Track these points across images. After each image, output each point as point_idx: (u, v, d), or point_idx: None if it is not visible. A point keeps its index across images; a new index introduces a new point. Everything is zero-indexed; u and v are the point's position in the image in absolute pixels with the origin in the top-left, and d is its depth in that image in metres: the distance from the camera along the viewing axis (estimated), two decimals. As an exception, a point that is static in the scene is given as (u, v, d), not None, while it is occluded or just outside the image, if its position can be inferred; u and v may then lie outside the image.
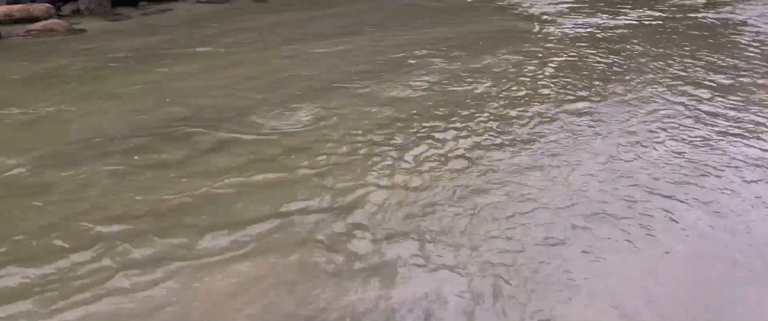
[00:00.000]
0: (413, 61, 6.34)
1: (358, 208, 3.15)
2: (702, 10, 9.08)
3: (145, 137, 4.21)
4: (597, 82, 5.48)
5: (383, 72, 5.92)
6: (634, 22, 8.27)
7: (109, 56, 6.92)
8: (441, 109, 4.75)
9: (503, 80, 5.55)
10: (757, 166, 3.64)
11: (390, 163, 3.73)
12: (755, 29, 7.75)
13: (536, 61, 6.22)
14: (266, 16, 9.55)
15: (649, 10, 9.21)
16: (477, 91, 5.28)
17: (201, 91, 5.43)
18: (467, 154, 3.85)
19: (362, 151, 3.92)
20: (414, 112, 4.70)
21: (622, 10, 9.22)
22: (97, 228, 2.95)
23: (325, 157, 3.84)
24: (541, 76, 5.67)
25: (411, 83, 5.50)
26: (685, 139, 4.06)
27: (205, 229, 2.93)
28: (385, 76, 5.78)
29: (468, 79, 5.59)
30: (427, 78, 5.68)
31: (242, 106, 4.93)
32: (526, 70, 5.93)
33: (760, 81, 5.48)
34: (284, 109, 4.87)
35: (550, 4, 9.89)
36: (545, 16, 8.88)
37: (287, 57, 6.79)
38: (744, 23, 8.04)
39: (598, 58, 6.37)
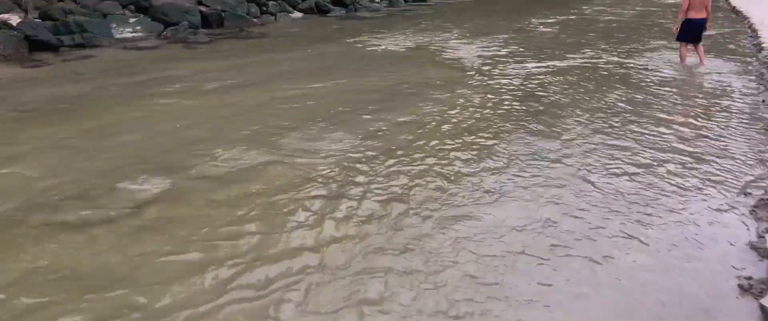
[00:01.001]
0: (347, 109, 6.27)
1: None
2: (619, 59, 9.53)
3: (52, 204, 3.87)
4: (524, 128, 5.56)
5: (313, 122, 5.81)
6: (558, 70, 8.57)
7: (21, 107, 6.47)
8: (376, 157, 4.66)
9: (434, 126, 5.54)
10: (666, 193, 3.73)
11: (323, 213, 3.58)
12: (662, 74, 8.18)
13: (469, 107, 6.27)
14: (195, 63, 9.28)
15: (571, 58, 9.58)
16: (409, 138, 5.24)
17: (121, 144, 5.13)
18: (403, 198, 3.76)
19: (299, 202, 3.76)
20: (349, 160, 4.59)
21: (548, 59, 9.56)
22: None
23: (255, 209, 3.65)
24: (474, 122, 5.71)
25: (344, 133, 5.40)
26: (602, 177, 4.12)
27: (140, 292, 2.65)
28: (312, 127, 5.67)
29: (401, 128, 5.55)
30: (360, 128, 5.60)
31: (164, 160, 4.66)
32: (458, 116, 5.96)
33: (665, 116, 5.73)
34: (213, 159, 4.65)
35: (481, 54, 10.14)
36: (478, 65, 9.07)
37: (217, 106, 6.57)
38: (655, 69, 8.48)
39: (526, 105, 6.49)
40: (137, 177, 4.36)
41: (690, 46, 8.87)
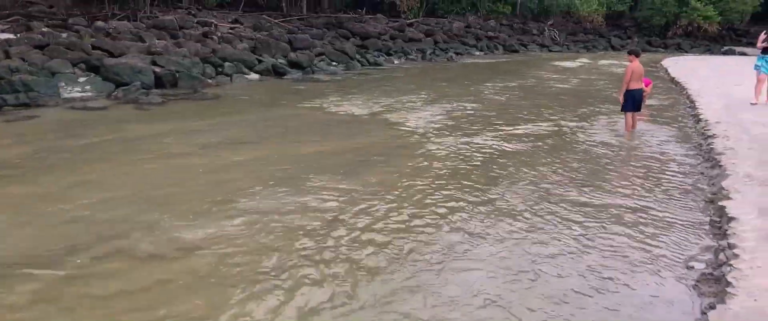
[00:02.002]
0: (298, 175, 6.19)
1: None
2: (566, 127, 9.84)
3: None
4: (471, 200, 5.58)
5: (265, 188, 5.70)
6: (508, 137, 8.76)
7: (-48, 172, 6.13)
8: (322, 228, 4.57)
9: (383, 195, 5.51)
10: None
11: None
12: (608, 142, 8.46)
13: (419, 175, 6.29)
14: (146, 125, 9.09)
15: (521, 125, 9.84)
16: (358, 208, 5.17)
17: (59, 213, 4.88)
18: (345, 271, 3.65)
19: (245, 274, 3.60)
20: (297, 231, 4.48)
21: (498, 125, 9.78)
22: None
23: (204, 278, 3.47)
24: (424, 190, 5.71)
25: (294, 200, 5.31)
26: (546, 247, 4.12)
27: None
28: (265, 192, 5.56)
29: (351, 195, 5.49)
30: (308, 196, 5.52)
31: (105, 231, 4.44)
32: (407, 184, 5.95)
33: (609, 187, 5.87)
34: (159, 231, 4.46)
35: (434, 119, 10.30)
36: (430, 131, 9.19)
37: (165, 171, 6.39)
38: (601, 138, 8.78)
39: (474, 175, 6.55)
40: (77, 249, 4.12)
41: (632, 115, 9.32)
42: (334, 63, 19.16)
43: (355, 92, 13.69)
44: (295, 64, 17.12)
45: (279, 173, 6.43)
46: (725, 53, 33.94)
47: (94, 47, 13.80)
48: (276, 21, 22.55)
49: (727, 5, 38.78)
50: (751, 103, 10.93)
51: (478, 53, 29.77)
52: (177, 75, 13.27)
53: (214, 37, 17.40)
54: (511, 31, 37.21)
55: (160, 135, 8.39)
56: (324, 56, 19.22)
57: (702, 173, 7.02)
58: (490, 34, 34.43)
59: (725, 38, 40.73)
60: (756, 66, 11.10)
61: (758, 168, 6.55)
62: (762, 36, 10.90)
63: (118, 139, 8.07)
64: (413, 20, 31.20)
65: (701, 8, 38.08)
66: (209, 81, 13.97)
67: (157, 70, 13.05)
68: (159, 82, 12.78)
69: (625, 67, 9.34)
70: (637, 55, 9.15)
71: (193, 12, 20.52)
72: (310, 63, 17.49)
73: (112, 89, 11.93)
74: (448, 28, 32.27)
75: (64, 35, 14.41)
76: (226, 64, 15.25)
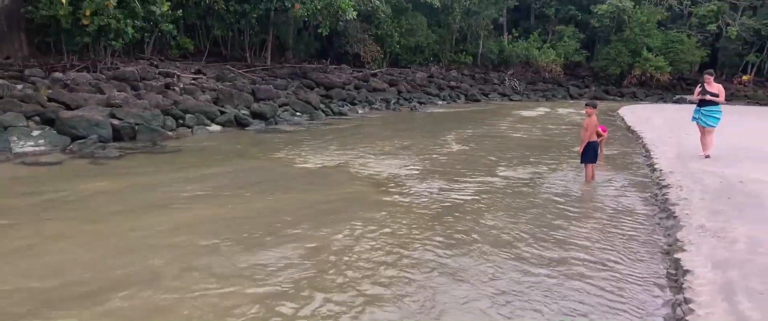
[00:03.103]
0: (260, 233, 6.05)
1: None
2: (527, 177, 9.98)
3: None
4: (431, 259, 5.52)
5: (225, 247, 5.53)
6: (469, 188, 8.81)
7: None
8: (288, 291, 4.43)
9: (344, 252, 5.41)
10: None
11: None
12: (567, 194, 8.58)
13: (381, 230, 6.22)
14: (100, 181, 8.81)
15: (483, 176, 9.93)
16: (319, 267, 5.05)
17: (3, 276, 4.61)
18: None
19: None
20: (260, 293, 4.33)
21: (461, 176, 9.85)
22: None
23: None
24: (386, 247, 5.63)
25: (255, 258, 5.16)
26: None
27: None
28: (223, 253, 5.40)
29: (312, 252, 5.38)
30: (273, 252, 5.38)
31: (49, 298, 4.20)
32: (369, 240, 5.87)
33: (568, 240, 5.90)
34: (112, 296, 4.24)
35: (397, 171, 10.31)
36: (393, 183, 9.18)
37: (119, 231, 6.15)
38: (560, 189, 8.90)
39: (435, 230, 6.53)
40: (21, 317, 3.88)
41: (592, 166, 9.58)
42: (298, 113, 19.18)
43: (318, 143, 13.67)
44: (258, 115, 17.06)
45: (237, 232, 6.27)
46: (677, 102, 35.33)
47: (50, 99, 13.49)
48: (240, 71, 22.58)
49: (676, 56, 40.69)
50: (705, 156, 10.94)
51: (440, 103, 30.29)
52: (136, 128, 13.04)
53: (176, 89, 17.26)
54: (473, 80, 38.10)
55: (113, 191, 8.14)
56: (288, 106, 19.24)
57: (658, 224, 7.15)
58: (453, 83, 35.15)
59: (676, 87, 42.54)
60: (693, 118, 11.20)
61: (710, 219, 6.71)
62: (697, 89, 11.09)
63: (69, 196, 7.79)
64: (377, 70, 31.69)
65: (653, 59, 39.84)
66: (169, 133, 13.76)
67: (116, 122, 12.80)
68: (117, 135, 12.52)
69: (584, 118, 9.58)
70: (595, 108, 9.42)
71: (155, 63, 20.37)
72: (273, 113, 17.46)
73: (68, 143, 11.61)
74: (412, 78, 32.85)
75: (20, 87, 14.06)
76: (188, 115, 15.09)
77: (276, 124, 17.14)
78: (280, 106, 19.01)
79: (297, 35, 29.41)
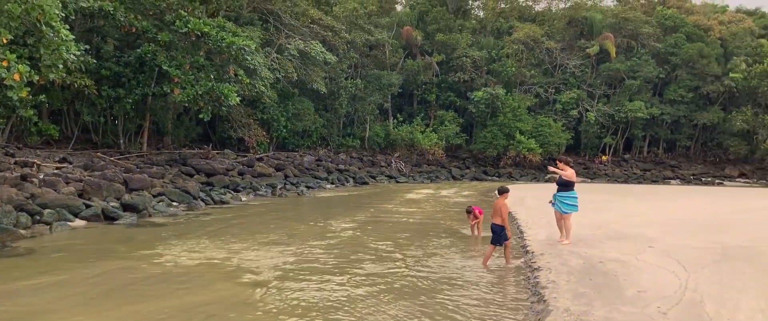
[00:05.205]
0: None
1: None
2: (414, 263, 9.98)
3: None
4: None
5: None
6: (356, 280, 8.60)
7: None
8: None
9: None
10: None
11: None
12: (453, 282, 8.66)
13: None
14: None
15: (370, 266, 9.78)
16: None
17: None
18: None
19: None
20: None
21: (347, 267, 9.63)
22: None
23: None
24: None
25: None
26: None
27: None
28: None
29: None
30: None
31: None
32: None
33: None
34: None
35: (277, 264, 9.91)
36: (272, 280, 8.76)
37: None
38: (445, 279, 8.97)
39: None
40: None
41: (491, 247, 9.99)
42: (174, 203, 18.19)
43: (195, 235, 12.91)
44: (129, 207, 15.92)
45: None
46: (548, 181, 38.10)
47: None
48: (112, 159, 21.20)
49: (545, 139, 44.32)
50: (564, 242, 10.96)
51: (329, 186, 30.31)
52: (-19, 227, 11.60)
53: (35, 180, 15.75)
54: (361, 163, 38.79)
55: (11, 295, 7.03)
56: (164, 196, 18.21)
57: (530, 308, 7.33)
58: (341, 166, 35.53)
59: (547, 167, 45.99)
60: (551, 203, 11.11)
61: (575, 301, 7.00)
62: (550, 168, 11.40)
63: None
64: (263, 155, 31.31)
65: (525, 141, 43.09)
66: (22, 232, 12.34)
67: (-45, 222, 11.32)
68: (-45, 237, 11.03)
69: (497, 203, 9.93)
70: (506, 192, 9.97)
71: (11, 151, 18.58)
72: (146, 205, 16.39)
73: None
74: (299, 162, 32.78)
75: None
76: (46, 210, 13.72)
77: (150, 216, 16.05)
78: (155, 196, 17.95)
79: (177, 120, 28.53)
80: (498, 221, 9.81)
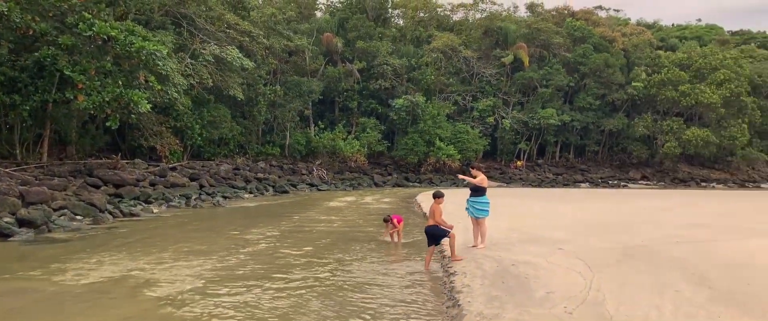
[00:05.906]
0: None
1: None
2: (329, 272, 9.85)
3: None
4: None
5: None
6: (276, 294, 8.35)
7: None
8: None
9: None
10: None
11: None
12: (367, 289, 8.61)
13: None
14: None
15: (293, 276, 9.55)
16: None
17: None
18: None
19: None
20: None
21: (266, 280, 9.35)
22: None
23: None
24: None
25: None
26: None
27: None
28: None
29: None
30: None
31: None
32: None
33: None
34: None
35: (191, 279, 9.46)
36: (187, 297, 8.33)
37: None
38: (361, 284, 8.90)
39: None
40: None
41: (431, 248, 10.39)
42: (78, 217, 17.03)
43: (101, 252, 12.11)
44: (25, 222, 14.70)
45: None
46: (466, 186, 39.14)
47: None
48: (7, 171, 19.58)
49: (464, 145, 45.50)
50: (478, 246, 11.25)
51: (247, 196, 29.52)
52: None
53: None
54: (281, 171, 38.12)
55: None
56: (66, 209, 17.03)
57: (445, 313, 7.40)
58: (260, 175, 34.73)
59: (466, 172, 47.21)
60: (467, 209, 11.40)
61: (488, 304, 7.13)
62: (460, 176, 12.26)
63: None
64: (176, 164, 30.09)
65: (445, 148, 44.06)
66: None
67: None
68: None
69: (432, 206, 10.44)
70: (441, 197, 10.34)
71: None
72: (46, 219, 15.23)
73: None
74: (216, 172, 31.76)
75: None
76: (-73, 229, 12.46)
77: (49, 231, 14.91)
78: (56, 210, 16.74)
79: (82, 128, 26.85)
80: (431, 223, 10.11)
